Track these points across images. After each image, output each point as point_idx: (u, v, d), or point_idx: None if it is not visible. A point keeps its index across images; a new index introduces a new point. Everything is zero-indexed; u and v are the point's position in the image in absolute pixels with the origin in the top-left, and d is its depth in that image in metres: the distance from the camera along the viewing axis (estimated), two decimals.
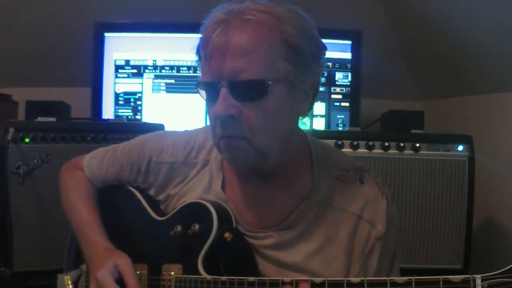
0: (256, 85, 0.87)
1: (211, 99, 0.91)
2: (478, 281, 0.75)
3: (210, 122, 0.95)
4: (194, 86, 0.95)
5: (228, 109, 0.88)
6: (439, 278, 0.77)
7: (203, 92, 0.93)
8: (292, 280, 0.86)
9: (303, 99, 0.95)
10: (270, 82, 0.87)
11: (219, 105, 0.88)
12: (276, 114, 0.90)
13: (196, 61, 0.97)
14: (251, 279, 0.89)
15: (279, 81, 0.89)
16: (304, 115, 0.99)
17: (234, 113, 0.88)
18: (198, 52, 0.95)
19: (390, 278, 0.80)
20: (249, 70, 0.86)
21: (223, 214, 1.00)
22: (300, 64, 0.90)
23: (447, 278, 0.77)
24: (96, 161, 1.19)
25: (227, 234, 0.97)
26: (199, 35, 0.93)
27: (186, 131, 1.15)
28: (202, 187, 1.06)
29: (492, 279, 0.74)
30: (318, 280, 0.84)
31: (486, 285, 0.74)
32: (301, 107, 0.96)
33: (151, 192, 1.13)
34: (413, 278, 0.79)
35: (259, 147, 0.91)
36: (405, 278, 0.80)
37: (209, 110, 0.94)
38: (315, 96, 0.98)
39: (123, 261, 1.00)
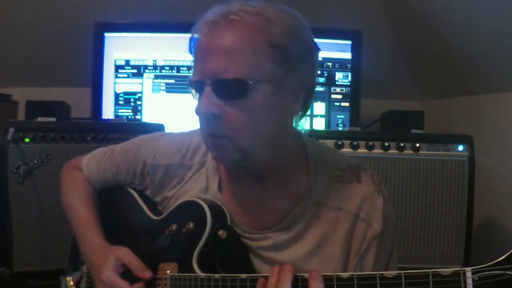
0: (238, 84, 0.88)
1: (199, 98, 0.93)
2: (469, 274, 0.75)
3: (199, 120, 0.96)
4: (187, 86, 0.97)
5: (210, 107, 0.89)
6: (428, 272, 0.77)
7: (193, 91, 0.95)
8: None
9: (292, 99, 0.95)
10: (251, 82, 0.88)
11: (202, 103, 0.90)
12: (259, 114, 0.91)
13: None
14: (243, 276, 0.90)
15: (262, 81, 0.89)
16: (298, 116, 0.99)
17: (216, 111, 0.89)
18: (190, 52, 0.97)
19: (380, 272, 0.80)
20: (231, 70, 0.87)
21: (217, 212, 1.00)
22: (287, 65, 0.90)
23: (437, 271, 0.76)
24: (94, 163, 1.19)
25: (221, 232, 0.97)
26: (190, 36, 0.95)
27: (181, 133, 1.15)
28: (199, 188, 1.06)
29: (482, 271, 0.74)
30: (307, 275, 0.84)
31: (477, 278, 0.74)
32: (291, 108, 0.96)
33: (148, 193, 1.14)
34: (402, 272, 0.79)
35: (242, 146, 0.91)
36: (394, 272, 0.79)
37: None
38: (309, 97, 0.98)
39: (122, 252, 1.01)
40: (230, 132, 0.90)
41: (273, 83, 0.90)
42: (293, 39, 0.90)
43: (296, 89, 0.94)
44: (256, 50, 0.88)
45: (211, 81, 0.89)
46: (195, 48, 0.93)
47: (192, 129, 1.14)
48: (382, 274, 0.80)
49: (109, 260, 1.00)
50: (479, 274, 0.74)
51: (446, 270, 0.76)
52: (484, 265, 0.74)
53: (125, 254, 1.01)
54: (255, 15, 0.89)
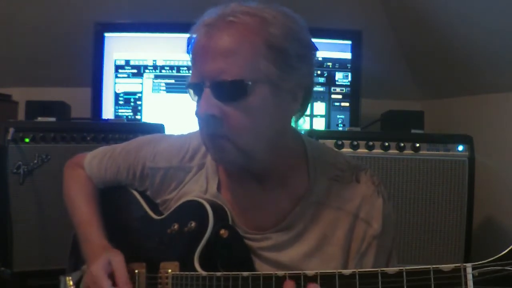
0: (236, 86, 0.88)
1: (197, 100, 0.93)
2: (469, 270, 0.75)
3: (198, 122, 0.96)
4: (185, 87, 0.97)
5: (210, 108, 0.89)
6: (429, 268, 0.77)
7: (192, 93, 0.95)
8: (285, 273, 0.86)
9: (290, 100, 0.95)
10: (250, 83, 0.88)
11: (201, 105, 0.90)
12: (259, 115, 0.91)
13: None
14: (245, 274, 0.90)
15: (261, 82, 0.89)
16: (297, 116, 1.00)
17: (215, 113, 0.89)
18: (188, 54, 0.97)
19: (382, 269, 0.80)
20: (229, 71, 0.88)
21: (219, 211, 1.00)
22: (285, 65, 0.91)
23: (438, 267, 0.77)
24: (96, 162, 1.20)
25: (222, 231, 0.97)
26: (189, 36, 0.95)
27: (181, 135, 1.15)
28: (199, 189, 1.06)
29: (483, 267, 0.74)
30: (310, 273, 0.85)
31: (477, 273, 0.75)
32: (290, 108, 0.96)
33: (149, 194, 1.14)
34: (403, 268, 0.79)
35: (242, 146, 0.91)
36: (396, 269, 0.79)
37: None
38: (307, 97, 0.98)
39: (117, 258, 1.01)
40: (229, 133, 0.91)
41: (272, 84, 0.90)
42: (290, 39, 0.91)
43: (294, 89, 0.94)
44: (254, 51, 0.88)
45: (210, 83, 0.89)
46: (193, 50, 0.93)
47: (192, 130, 1.15)
48: (384, 270, 0.80)
49: (102, 258, 1.01)
50: (479, 269, 0.75)
51: (447, 266, 0.77)
52: (485, 261, 0.75)
53: (117, 261, 1.01)
54: (252, 16, 0.90)
